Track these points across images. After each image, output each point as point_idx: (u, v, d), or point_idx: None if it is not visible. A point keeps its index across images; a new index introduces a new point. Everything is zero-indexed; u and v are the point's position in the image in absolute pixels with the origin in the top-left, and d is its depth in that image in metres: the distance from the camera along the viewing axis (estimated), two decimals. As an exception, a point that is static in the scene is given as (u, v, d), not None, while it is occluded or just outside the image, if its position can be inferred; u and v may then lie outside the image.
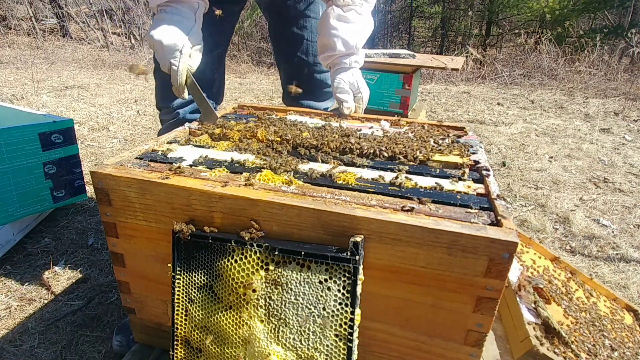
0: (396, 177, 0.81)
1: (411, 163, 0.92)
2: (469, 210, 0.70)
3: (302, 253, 0.68)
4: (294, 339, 0.70)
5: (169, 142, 1.01)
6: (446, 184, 0.80)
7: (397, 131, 1.15)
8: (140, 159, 0.88)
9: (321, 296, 0.68)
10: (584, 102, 4.43)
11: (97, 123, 3.27)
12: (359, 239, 0.66)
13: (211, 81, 1.38)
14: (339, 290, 0.67)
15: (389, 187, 0.77)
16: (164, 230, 0.80)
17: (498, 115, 3.96)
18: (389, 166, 0.89)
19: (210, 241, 0.73)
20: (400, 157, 0.94)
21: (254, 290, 0.71)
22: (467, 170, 0.87)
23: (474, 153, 0.98)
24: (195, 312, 0.77)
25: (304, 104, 1.47)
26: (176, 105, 1.33)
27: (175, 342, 0.80)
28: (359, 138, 1.05)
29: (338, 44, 1.14)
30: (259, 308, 0.71)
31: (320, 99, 1.49)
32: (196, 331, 0.78)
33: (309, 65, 1.41)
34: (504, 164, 2.76)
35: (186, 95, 1.12)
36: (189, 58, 1.08)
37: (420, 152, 0.96)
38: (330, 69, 1.26)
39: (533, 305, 0.98)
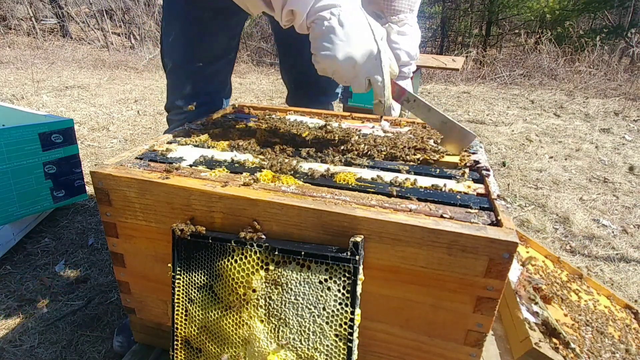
0: (396, 177, 0.81)
1: (411, 163, 0.92)
2: (469, 210, 0.70)
3: (302, 253, 0.68)
4: (294, 339, 0.70)
5: (169, 142, 1.01)
6: (446, 184, 0.80)
7: (397, 131, 1.15)
8: (140, 159, 0.88)
9: (321, 296, 0.68)
10: (584, 102, 4.43)
11: (97, 123, 3.27)
12: (359, 239, 0.66)
13: (225, 83, 1.39)
14: (339, 290, 0.67)
15: (389, 187, 0.77)
16: (164, 230, 0.80)
17: (498, 115, 3.96)
18: (389, 166, 0.88)
19: (210, 241, 0.73)
20: (400, 157, 0.94)
21: (254, 290, 0.71)
22: (467, 170, 0.87)
23: (474, 153, 0.98)
24: (195, 312, 0.77)
25: (313, 100, 1.48)
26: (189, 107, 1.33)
27: (175, 342, 0.80)
28: (359, 138, 1.05)
29: (402, 55, 1.22)
30: (259, 308, 0.71)
31: (328, 93, 1.54)
32: (196, 331, 0.78)
33: None
34: (504, 164, 2.76)
35: (397, 113, 0.96)
36: (388, 60, 0.86)
37: (420, 152, 0.96)
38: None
39: (533, 305, 0.98)
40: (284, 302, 0.70)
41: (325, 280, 0.67)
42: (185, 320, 0.79)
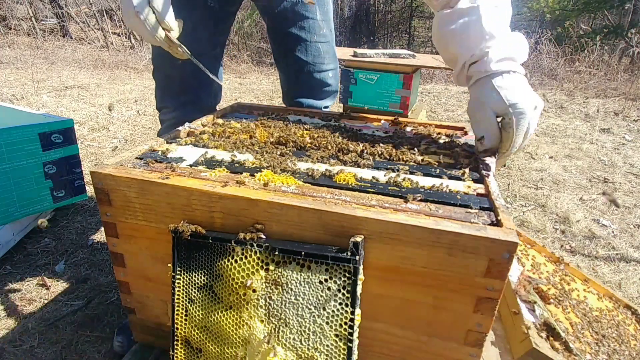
0: (396, 177, 0.81)
1: (411, 163, 0.92)
2: (469, 210, 0.70)
3: (302, 253, 0.68)
4: (294, 339, 0.70)
5: (169, 142, 1.01)
6: (446, 184, 0.80)
7: (397, 131, 1.15)
8: (140, 159, 0.88)
9: (321, 296, 0.68)
10: (584, 102, 4.43)
11: (97, 123, 3.27)
12: (359, 239, 0.66)
13: (210, 81, 1.38)
14: (339, 290, 0.67)
15: (389, 187, 0.77)
16: (164, 230, 0.80)
17: (498, 115, 3.95)
18: (389, 166, 0.88)
19: (211, 241, 0.73)
20: (401, 157, 0.94)
21: (254, 291, 0.71)
22: (467, 170, 0.87)
23: (474, 153, 0.98)
24: (195, 312, 0.77)
25: (304, 103, 1.47)
26: (177, 105, 1.33)
27: (175, 342, 0.80)
28: (359, 138, 1.05)
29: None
30: (259, 308, 0.71)
31: (319, 97, 1.50)
32: (196, 331, 0.78)
33: (308, 65, 1.42)
34: (504, 164, 2.76)
35: (181, 54, 1.00)
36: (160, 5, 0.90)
37: (420, 152, 0.96)
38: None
39: (533, 305, 0.98)
40: (284, 302, 0.70)
41: (326, 280, 0.68)
42: (185, 320, 0.79)
